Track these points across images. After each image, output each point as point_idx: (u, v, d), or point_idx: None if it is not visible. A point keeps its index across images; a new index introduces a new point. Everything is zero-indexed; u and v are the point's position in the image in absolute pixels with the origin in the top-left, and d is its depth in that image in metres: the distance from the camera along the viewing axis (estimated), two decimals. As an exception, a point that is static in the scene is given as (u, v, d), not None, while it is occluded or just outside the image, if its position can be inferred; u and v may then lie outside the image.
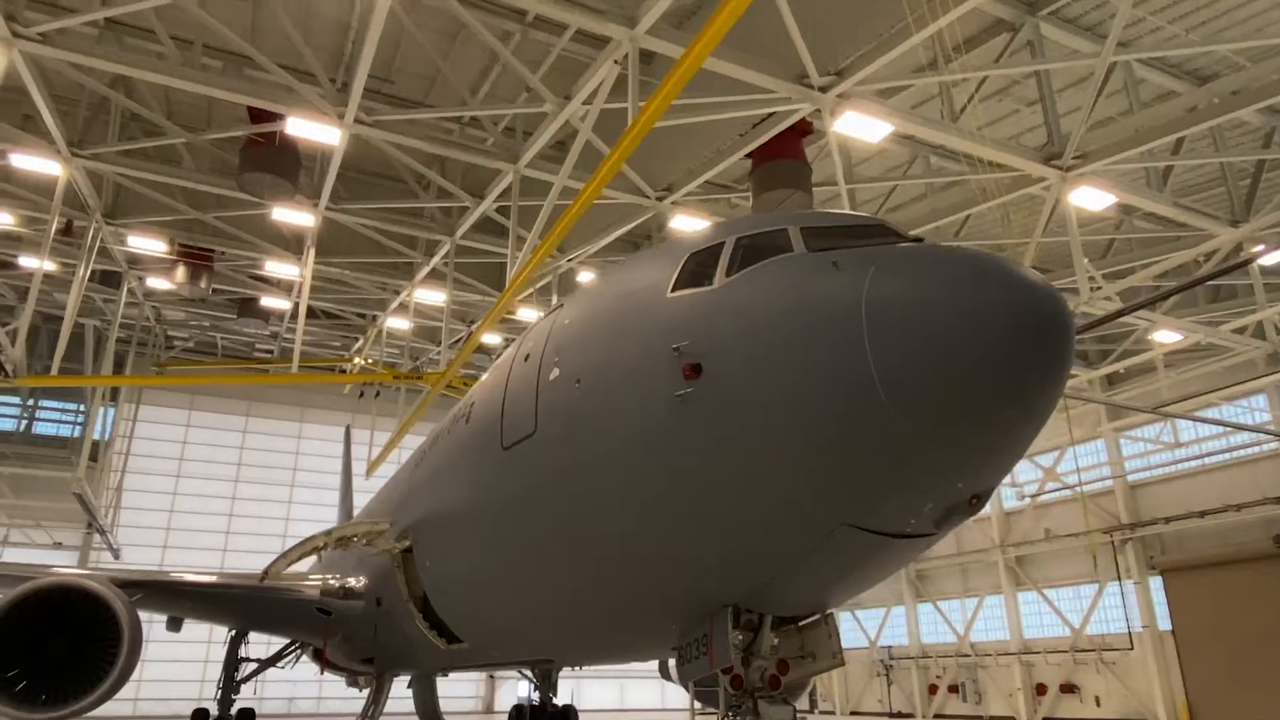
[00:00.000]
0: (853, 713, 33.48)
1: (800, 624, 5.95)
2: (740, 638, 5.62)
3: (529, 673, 17.03)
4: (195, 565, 29.29)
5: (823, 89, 11.69)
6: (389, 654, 12.22)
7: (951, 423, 4.31)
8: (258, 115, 14.37)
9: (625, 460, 5.64)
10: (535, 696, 17.31)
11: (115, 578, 11.80)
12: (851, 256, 4.76)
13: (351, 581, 12.50)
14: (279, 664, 15.69)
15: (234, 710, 15.17)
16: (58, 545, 29.05)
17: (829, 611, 5.95)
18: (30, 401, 30.99)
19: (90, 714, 10.48)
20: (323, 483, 33.91)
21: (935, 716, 30.90)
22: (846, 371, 4.40)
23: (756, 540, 5.21)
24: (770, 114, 12.70)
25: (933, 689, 31.62)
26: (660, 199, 15.17)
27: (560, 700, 17.59)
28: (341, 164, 14.78)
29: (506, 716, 18.03)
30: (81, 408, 30.87)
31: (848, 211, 11.07)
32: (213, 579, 15.68)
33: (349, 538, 10.30)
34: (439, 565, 9.16)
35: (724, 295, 5.24)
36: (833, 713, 33.64)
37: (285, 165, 15.14)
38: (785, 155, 13.69)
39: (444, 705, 16.09)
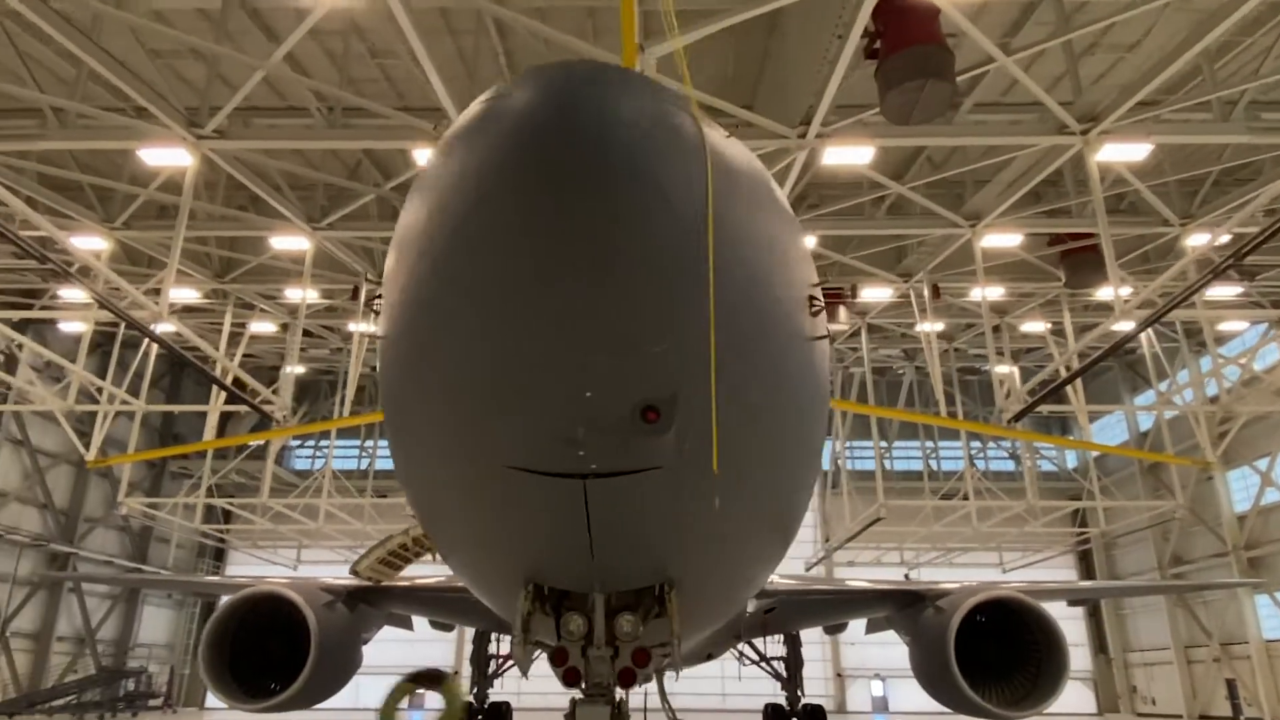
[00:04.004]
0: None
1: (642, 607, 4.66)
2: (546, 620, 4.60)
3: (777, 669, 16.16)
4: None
5: None
6: None
7: (492, 303, 3.03)
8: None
9: None
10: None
11: (330, 585, 13.27)
12: None
13: None
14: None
15: (487, 704, 16.10)
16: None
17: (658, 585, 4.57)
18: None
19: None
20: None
21: None
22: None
23: (441, 498, 4.22)
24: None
25: None
26: (802, 135, 13.45)
27: (808, 699, 16.39)
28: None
29: (761, 715, 17.15)
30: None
31: None
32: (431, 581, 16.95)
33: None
34: None
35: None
36: (1262, 718, 26.79)
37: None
38: (918, 40, 11.25)
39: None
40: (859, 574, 35.58)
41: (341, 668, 12.54)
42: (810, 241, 18.79)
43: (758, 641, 16.24)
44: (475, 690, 16.08)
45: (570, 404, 3.24)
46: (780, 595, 12.66)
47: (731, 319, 3.36)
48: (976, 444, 38.33)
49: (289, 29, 12.68)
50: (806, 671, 35.16)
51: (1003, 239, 18.44)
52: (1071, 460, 38.53)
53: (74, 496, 31.69)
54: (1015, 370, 26.46)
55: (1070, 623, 35.80)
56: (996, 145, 15.10)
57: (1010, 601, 11.88)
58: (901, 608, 13.91)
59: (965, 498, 28.36)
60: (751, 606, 12.01)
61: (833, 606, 15.27)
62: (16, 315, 23.24)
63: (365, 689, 32.52)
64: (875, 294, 23.29)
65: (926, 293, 21.54)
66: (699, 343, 3.23)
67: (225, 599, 12.23)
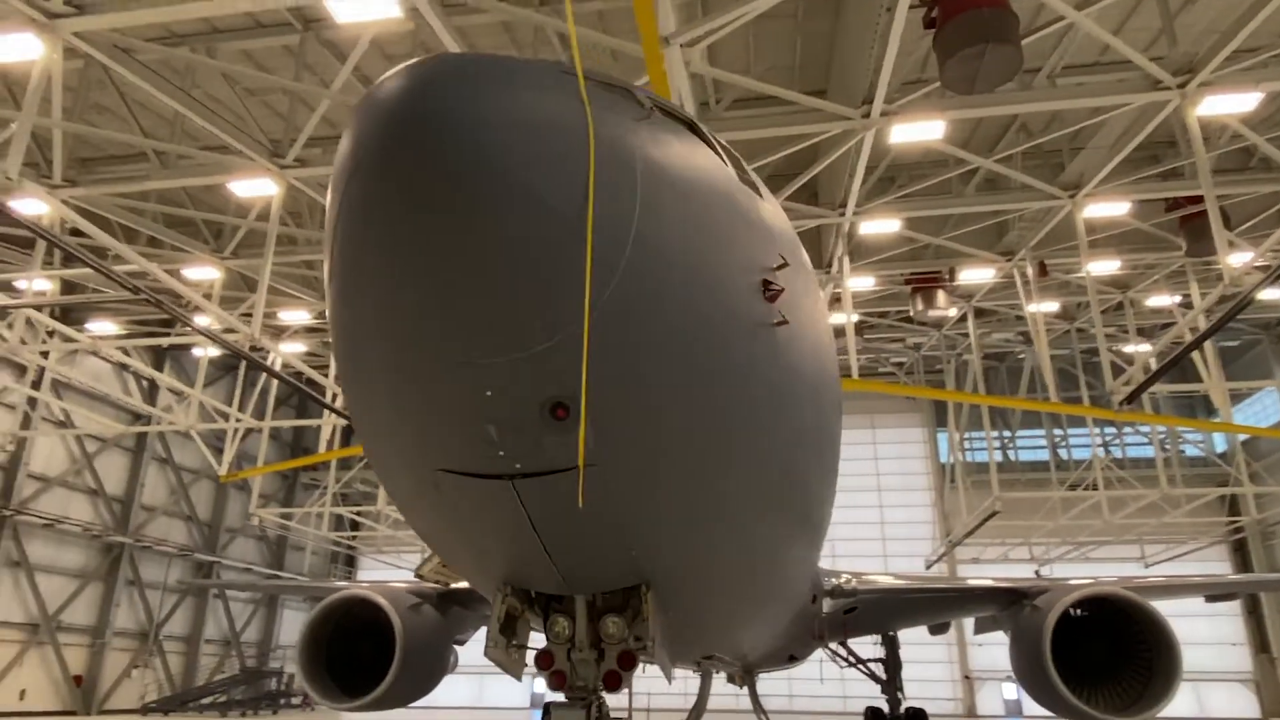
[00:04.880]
0: None
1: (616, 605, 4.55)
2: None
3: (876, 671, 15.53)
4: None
5: None
6: None
7: (383, 307, 3.04)
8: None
9: None
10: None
11: (420, 589, 13.47)
12: None
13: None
14: None
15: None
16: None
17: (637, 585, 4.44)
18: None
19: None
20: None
21: None
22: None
23: (405, 503, 4.20)
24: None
25: None
26: (866, 115, 12.89)
27: (910, 703, 15.67)
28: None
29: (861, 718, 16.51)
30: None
31: None
32: None
33: None
34: None
35: None
36: None
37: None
38: (974, 4, 10.55)
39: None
40: (984, 571, 33.96)
41: (430, 668, 12.89)
42: (889, 225, 18.01)
43: (854, 643, 15.69)
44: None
45: (475, 405, 3.19)
46: (861, 595, 12.15)
47: (646, 311, 3.23)
48: (1112, 429, 35.86)
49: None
50: (930, 674, 34.14)
51: (1108, 208, 17.12)
52: (1221, 444, 35.40)
53: (215, 509, 34.15)
54: (1149, 348, 24.54)
55: (1225, 620, 33.01)
56: (1093, 108, 14.05)
57: (1115, 598, 11.01)
58: (1005, 606, 13.15)
59: (1094, 487, 26.56)
60: (828, 606, 11.58)
61: (925, 606, 14.53)
62: (155, 343, 25.23)
63: (461, 688, 34.07)
64: (977, 275, 22.12)
65: (1031, 271, 20.28)
66: (605, 337, 3.12)
67: (320, 603, 12.83)
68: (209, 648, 32.76)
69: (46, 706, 25.67)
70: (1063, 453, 36.11)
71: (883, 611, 13.15)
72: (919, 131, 13.14)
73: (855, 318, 26.34)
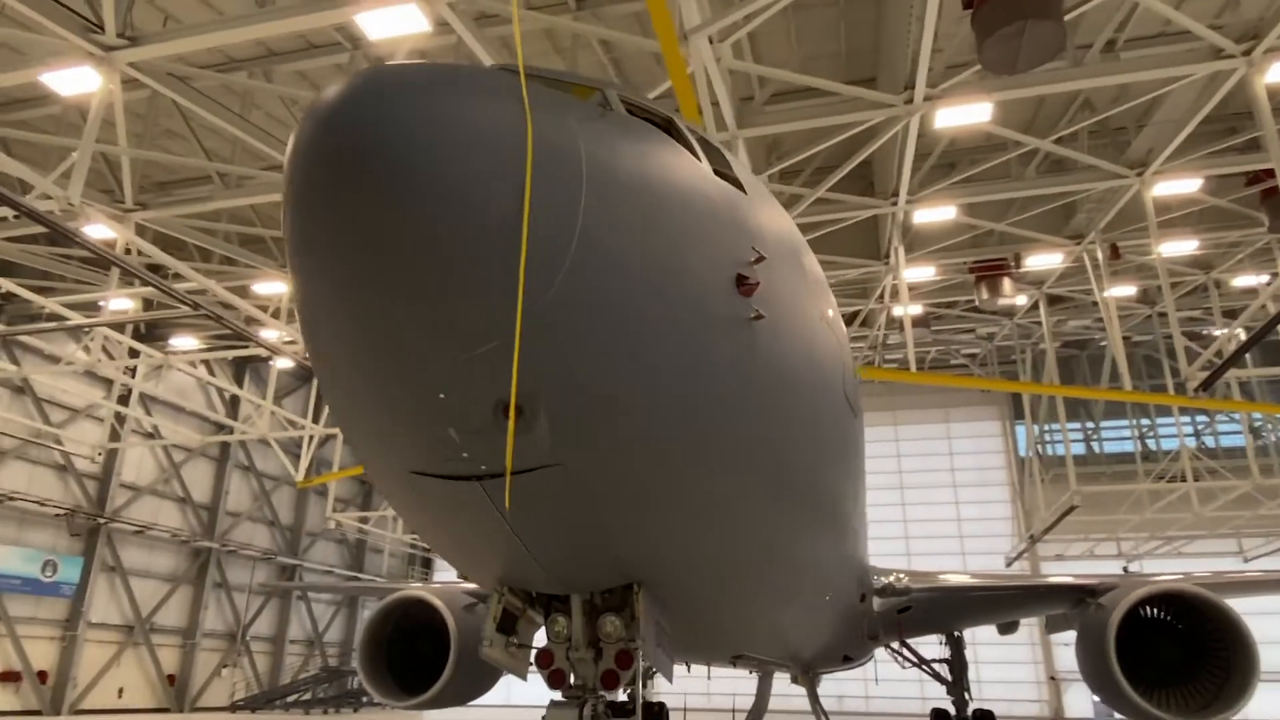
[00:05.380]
0: None
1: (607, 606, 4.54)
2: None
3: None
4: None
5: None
6: None
7: (335, 313, 3.11)
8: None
9: None
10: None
11: (476, 589, 13.57)
12: None
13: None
14: None
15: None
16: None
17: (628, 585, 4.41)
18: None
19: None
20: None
21: None
22: None
23: (396, 500, 4.28)
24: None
25: None
26: (909, 101, 12.56)
27: (987, 705, 15.17)
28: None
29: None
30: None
31: None
32: None
33: None
34: None
35: None
36: None
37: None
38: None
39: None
40: (1068, 568, 32.71)
41: (485, 667, 13.07)
42: (945, 213, 17.48)
43: (919, 643, 15.30)
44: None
45: (434, 407, 3.24)
46: (915, 593, 11.83)
47: (596, 309, 3.23)
48: (1203, 418, 34.06)
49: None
50: (1012, 675, 32.87)
51: (1180, 185, 16.26)
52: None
53: (297, 514, 35.47)
54: (1236, 331, 23.20)
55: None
56: (1161, 80, 13.36)
57: (1185, 596, 10.47)
58: (1074, 604, 12.64)
59: (1180, 479, 25.24)
60: (879, 606, 11.32)
61: (985, 605, 14.02)
62: (229, 356, 26.31)
63: (520, 686, 34.03)
64: (1045, 260, 21.29)
65: (1101, 255, 19.41)
66: (554, 336, 3.14)
67: (379, 605, 13.17)
68: (293, 647, 34.04)
69: (143, 704, 27.07)
70: (1150, 443, 34.49)
71: (940, 610, 12.77)
72: (966, 115, 12.73)
73: (916, 309, 25.72)
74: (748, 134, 13.80)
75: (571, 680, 4.54)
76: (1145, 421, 34.66)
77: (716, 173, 4.12)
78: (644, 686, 16.77)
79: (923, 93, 12.28)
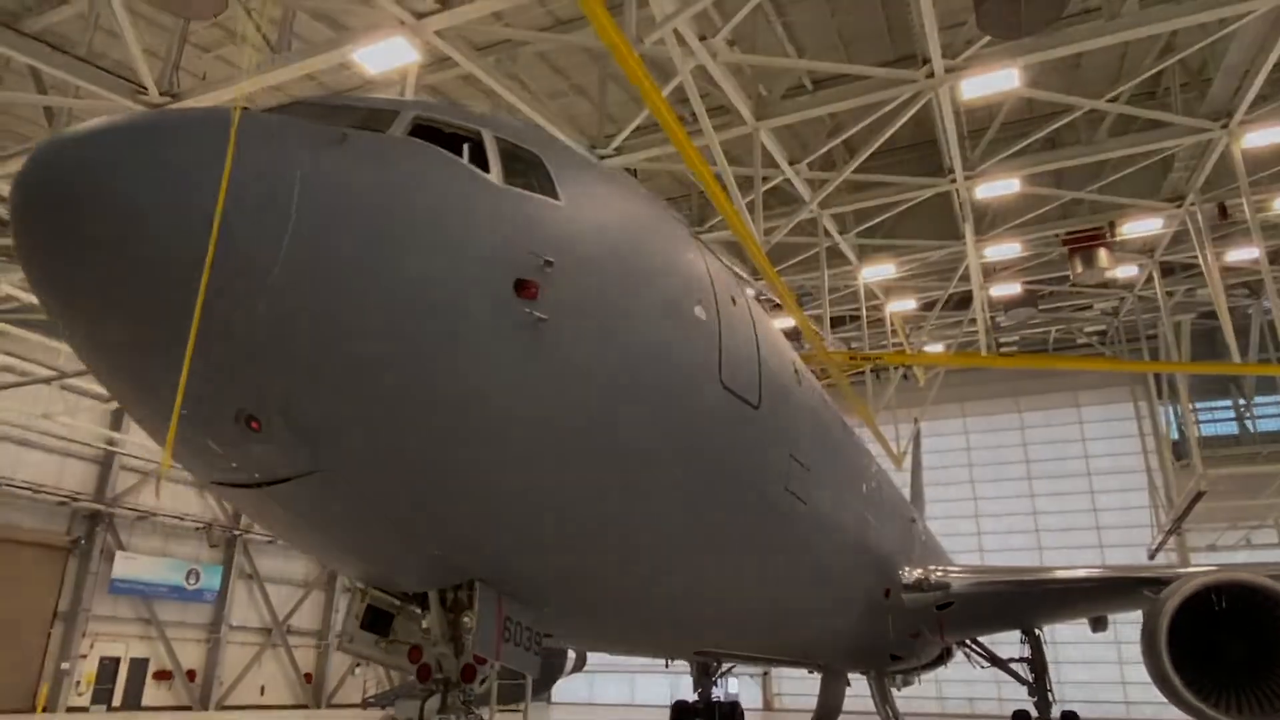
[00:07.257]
0: None
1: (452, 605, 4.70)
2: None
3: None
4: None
5: None
6: None
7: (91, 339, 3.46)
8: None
9: None
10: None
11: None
12: None
13: None
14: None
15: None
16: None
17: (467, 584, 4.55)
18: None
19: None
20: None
21: None
22: None
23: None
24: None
25: None
26: (930, 75, 12.01)
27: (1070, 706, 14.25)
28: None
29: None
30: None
31: None
32: None
33: None
34: None
35: None
36: None
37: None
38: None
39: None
40: (1220, 560, 29.97)
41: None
42: (1009, 186, 16.46)
43: (995, 643, 14.50)
44: (699, 690, 16.17)
45: (188, 421, 3.51)
46: (955, 589, 11.22)
47: (318, 321, 3.40)
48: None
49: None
50: (1097, 675, 29.95)
51: (1273, 133, 14.71)
52: None
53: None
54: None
55: None
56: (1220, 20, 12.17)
57: (1252, 587, 9.49)
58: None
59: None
60: (911, 601, 10.84)
61: (1045, 600, 12.95)
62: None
63: (612, 686, 34.26)
64: (1144, 227, 19.66)
65: (1200, 218, 17.77)
66: (271, 351, 3.35)
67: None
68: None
69: (282, 701, 29.33)
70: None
71: (991, 606, 11.97)
72: (993, 83, 12.06)
73: (1015, 288, 24.34)
74: (771, 124, 13.59)
75: (435, 674, 4.72)
76: (1303, 396, 31.27)
77: (518, 185, 4.17)
78: (718, 686, 16.74)
79: (941, 64, 11.74)
